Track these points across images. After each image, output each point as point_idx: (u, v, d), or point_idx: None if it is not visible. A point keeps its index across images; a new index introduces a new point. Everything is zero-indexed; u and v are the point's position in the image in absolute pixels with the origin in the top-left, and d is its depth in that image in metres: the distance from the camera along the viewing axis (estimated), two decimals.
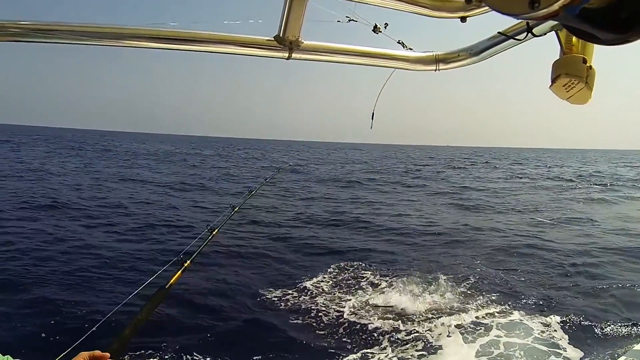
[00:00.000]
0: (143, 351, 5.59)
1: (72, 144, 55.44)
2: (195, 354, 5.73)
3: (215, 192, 18.85)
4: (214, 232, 2.06)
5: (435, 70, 1.41)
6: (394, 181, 26.24)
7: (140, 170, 26.34)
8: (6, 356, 1.34)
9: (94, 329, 1.69)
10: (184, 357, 5.67)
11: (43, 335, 6.00)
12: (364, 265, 8.63)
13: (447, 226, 12.51)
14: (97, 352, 1.39)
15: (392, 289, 7.26)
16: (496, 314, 6.48)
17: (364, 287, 7.55)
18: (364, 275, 8.12)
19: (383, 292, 7.15)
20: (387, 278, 7.89)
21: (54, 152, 39.93)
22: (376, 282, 7.74)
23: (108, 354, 1.39)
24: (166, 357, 5.69)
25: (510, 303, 6.85)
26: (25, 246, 9.88)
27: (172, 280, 1.63)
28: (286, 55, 1.16)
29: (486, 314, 6.47)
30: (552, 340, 5.73)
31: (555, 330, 5.99)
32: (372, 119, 1.66)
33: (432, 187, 23.59)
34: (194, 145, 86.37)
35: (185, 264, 1.70)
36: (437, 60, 1.40)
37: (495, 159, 62.50)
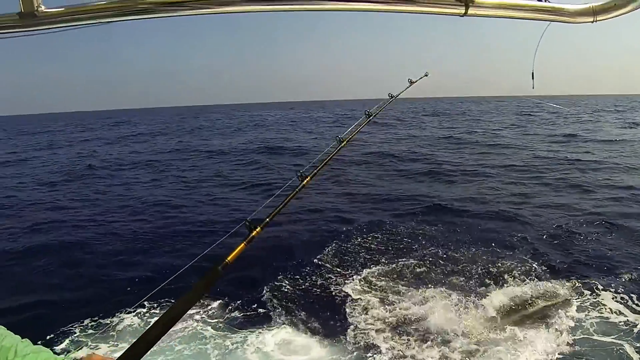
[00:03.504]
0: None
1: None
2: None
3: None
4: (304, 182, 2.05)
5: (593, 21, 1.47)
6: None
7: None
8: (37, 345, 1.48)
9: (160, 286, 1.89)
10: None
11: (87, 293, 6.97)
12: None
13: None
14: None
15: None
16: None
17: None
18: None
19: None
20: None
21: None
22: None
23: None
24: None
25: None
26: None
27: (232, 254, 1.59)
28: (462, 11, 1.30)
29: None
30: None
31: None
32: (533, 78, 1.74)
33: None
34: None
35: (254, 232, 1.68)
36: (594, 12, 1.45)
37: None
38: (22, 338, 1.50)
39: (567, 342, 5.30)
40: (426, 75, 4.72)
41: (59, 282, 7.41)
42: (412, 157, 19.61)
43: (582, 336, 5.45)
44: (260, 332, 5.73)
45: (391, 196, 12.37)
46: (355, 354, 5.27)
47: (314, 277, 7.20)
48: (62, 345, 5.42)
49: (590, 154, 19.44)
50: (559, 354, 5.10)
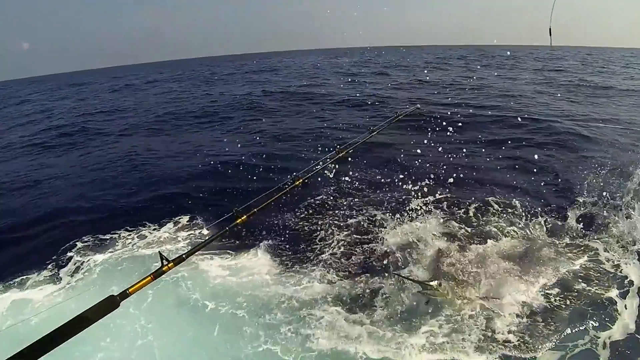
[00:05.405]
0: None
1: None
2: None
3: None
4: (238, 220, 2.47)
5: None
6: None
7: None
8: None
9: None
10: None
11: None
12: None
13: None
14: None
15: None
16: None
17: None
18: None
19: None
20: None
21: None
22: None
23: None
24: None
25: None
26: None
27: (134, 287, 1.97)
28: None
29: None
30: None
31: None
32: (550, 35, 2.10)
33: None
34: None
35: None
36: None
37: None
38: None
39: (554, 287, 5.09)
40: (418, 108, 5.03)
41: (64, 207, 8.29)
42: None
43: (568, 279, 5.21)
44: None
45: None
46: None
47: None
48: (70, 253, 6.31)
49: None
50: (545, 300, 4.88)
